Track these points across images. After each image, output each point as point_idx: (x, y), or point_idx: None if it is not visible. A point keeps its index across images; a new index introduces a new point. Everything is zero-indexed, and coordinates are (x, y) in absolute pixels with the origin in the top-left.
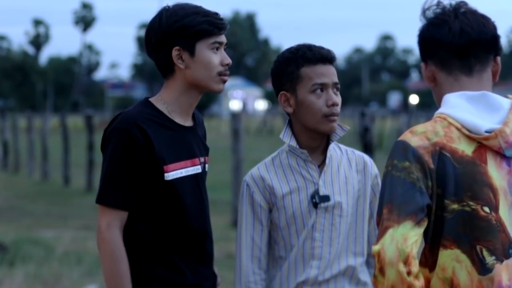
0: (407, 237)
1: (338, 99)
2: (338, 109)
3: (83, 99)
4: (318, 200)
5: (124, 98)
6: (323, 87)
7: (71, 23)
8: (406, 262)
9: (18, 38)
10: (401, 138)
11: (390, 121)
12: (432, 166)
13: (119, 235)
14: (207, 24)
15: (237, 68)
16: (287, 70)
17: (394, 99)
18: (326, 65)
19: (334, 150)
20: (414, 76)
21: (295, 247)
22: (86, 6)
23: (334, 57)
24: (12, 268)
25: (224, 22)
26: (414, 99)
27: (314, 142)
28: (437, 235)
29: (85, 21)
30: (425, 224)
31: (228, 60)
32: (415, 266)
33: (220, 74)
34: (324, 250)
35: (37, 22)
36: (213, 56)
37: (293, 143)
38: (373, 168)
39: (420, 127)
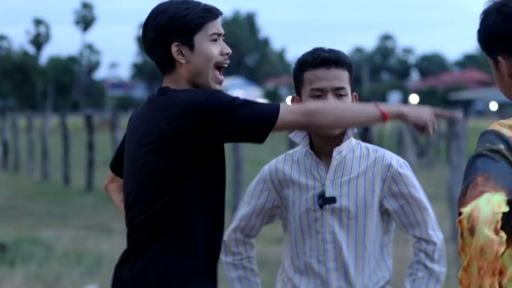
0: (501, 205)
1: None
2: None
3: (83, 99)
4: (322, 202)
5: (124, 97)
6: (322, 92)
7: (72, 22)
8: (496, 229)
9: (19, 37)
10: (492, 128)
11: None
12: None
13: None
14: (201, 13)
15: (237, 68)
16: (296, 74)
17: (394, 98)
18: (330, 69)
19: (352, 150)
20: (414, 75)
21: (307, 247)
22: (86, 6)
23: (341, 60)
24: (12, 267)
25: (217, 8)
26: (414, 99)
27: (326, 146)
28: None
29: (85, 20)
30: (508, 207)
31: (228, 50)
32: (504, 236)
33: (217, 64)
34: (337, 251)
35: (38, 22)
36: (213, 46)
37: (305, 144)
38: (387, 161)
39: (506, 121)
